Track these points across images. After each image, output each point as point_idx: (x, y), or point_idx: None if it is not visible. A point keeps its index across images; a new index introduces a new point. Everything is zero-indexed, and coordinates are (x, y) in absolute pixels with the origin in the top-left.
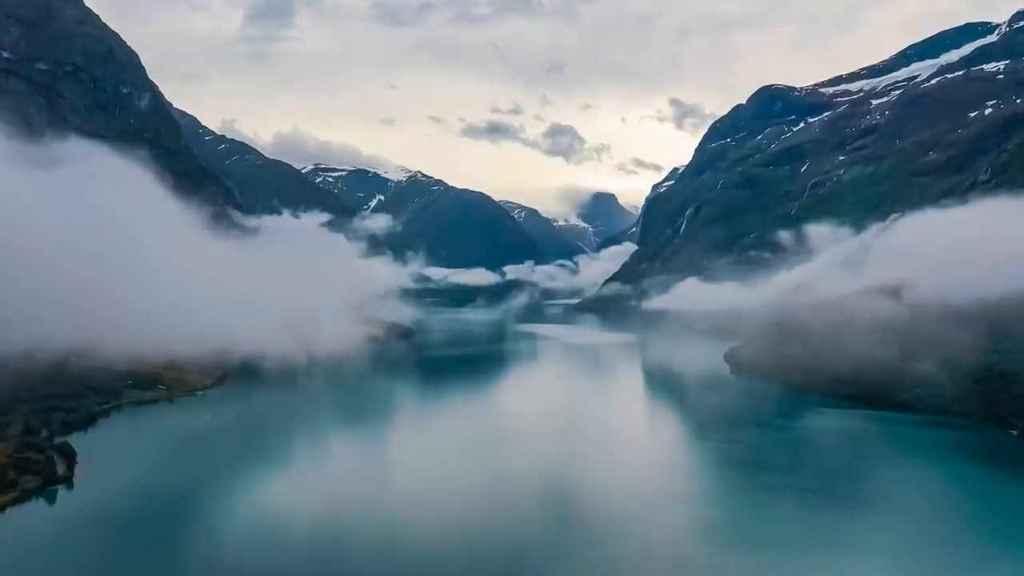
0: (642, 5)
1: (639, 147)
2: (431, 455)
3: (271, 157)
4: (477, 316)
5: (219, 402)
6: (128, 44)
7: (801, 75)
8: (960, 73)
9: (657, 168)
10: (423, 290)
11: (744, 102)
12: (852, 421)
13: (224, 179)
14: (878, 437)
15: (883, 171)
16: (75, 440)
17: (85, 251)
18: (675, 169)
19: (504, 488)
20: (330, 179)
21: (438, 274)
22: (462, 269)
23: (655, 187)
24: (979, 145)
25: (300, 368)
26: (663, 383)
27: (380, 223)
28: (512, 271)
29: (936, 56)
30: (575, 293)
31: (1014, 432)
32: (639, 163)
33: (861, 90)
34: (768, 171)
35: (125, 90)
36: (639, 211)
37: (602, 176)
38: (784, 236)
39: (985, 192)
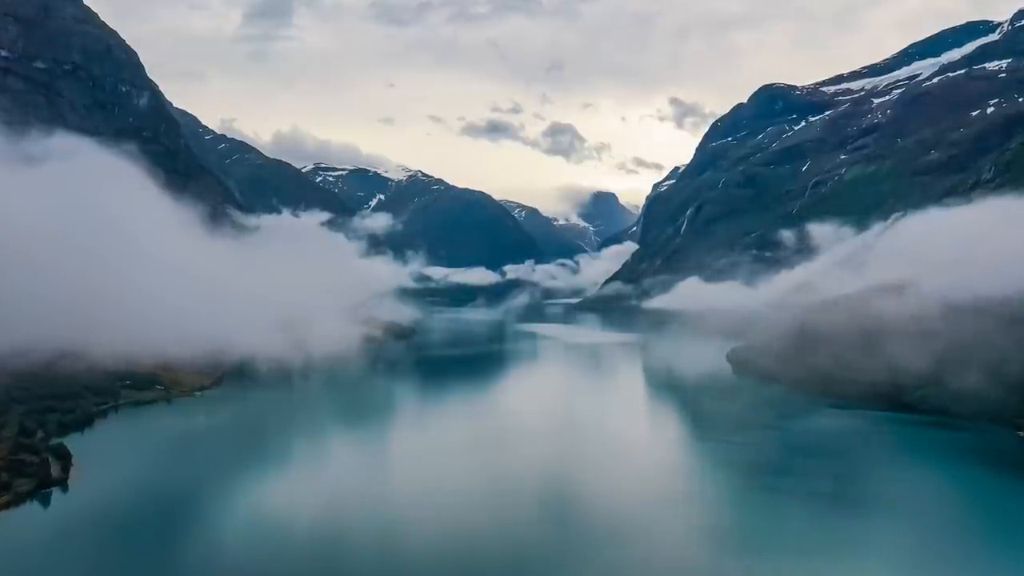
0: (642, 4)
1: (639, 146)
2: (430, 456)
3: (270, 156)
4: (477, 316)
5: (217, 402)
6: (127, 43)
7: (801, 74)
8: (962, 72)
9: (658, 167)
10: (423, 290)
11: (745, 101)
12: (861, 422)
13: (224, 178)
14: (891, 439)
15: (885, 170)
16: (71, 441)
17: (76, 249)
18: (676, 168)
19: (504, 490)
20: (330, 178)
21: (438, 273)
22: (462, 268)
23: (656, 186)
24: (981, 144)
25: (298, 368)
26: (665, 383)
27: (380, 222)
28: (512, 270)
29: (938, 55)
30: (576, 293)
31: None
32: (639, 162)
33: (862, 89)
34: (769, 170)
35: (124, 89)
36: (640, 210)
37: (602, 175)
38: (785, 235)
39: (989, 191)
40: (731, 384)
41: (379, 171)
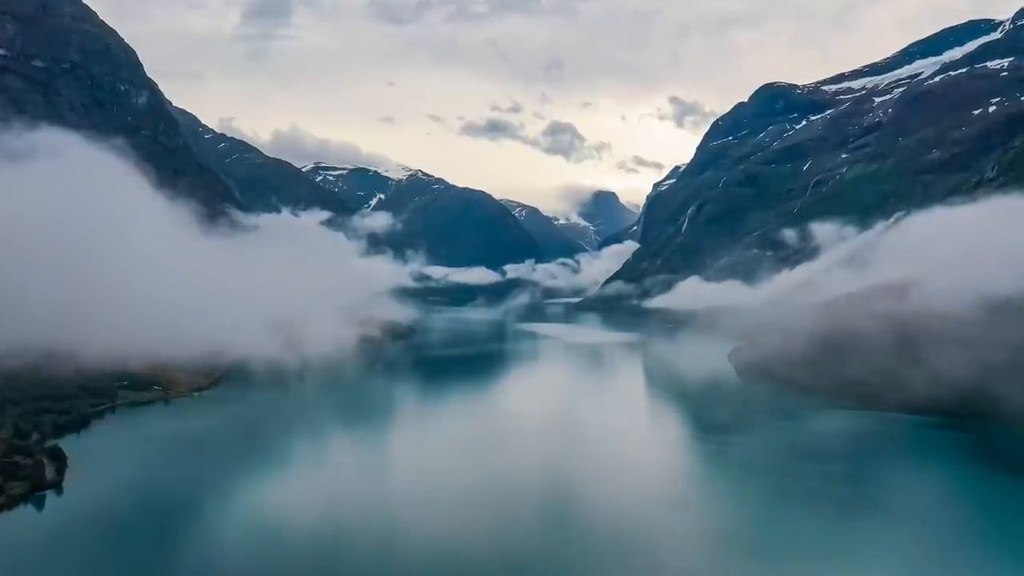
0: (641, 3)
1: (639, 145)
2: (430, 457)
3: (270, 155)
4: (477, 315)
5: (215, 403)
6: (126, 42)
7: (801, 73)
8: (963, 71)
9: (658, 166)
10: (423, 289)
11: (746, 100)
12: (870, 424)
13: (224, 177)
14: (901, 441)
15: (886, 169)
16: (67, 443)
17: (68, 247)
18: (676, 167)
19: (505, 493)
20: (330, 178)
21: (438, 273)
22: (462, 268)
23: (656, 185)
24: (983, 143)
25: (296, 369)
26: (666, 384)
27: (380, 221)
28: (513, 270)
29: (939, 54)
30: (576, 292)
31: None
32: (639, 161)
33: (864, 88)
34: (770, 169)
35: (123, 88)
36: (640, 210)
37: (602, 174)
38: (786, 235)
39: (992, 190)
40: (734, 385)
41: (379, 170)
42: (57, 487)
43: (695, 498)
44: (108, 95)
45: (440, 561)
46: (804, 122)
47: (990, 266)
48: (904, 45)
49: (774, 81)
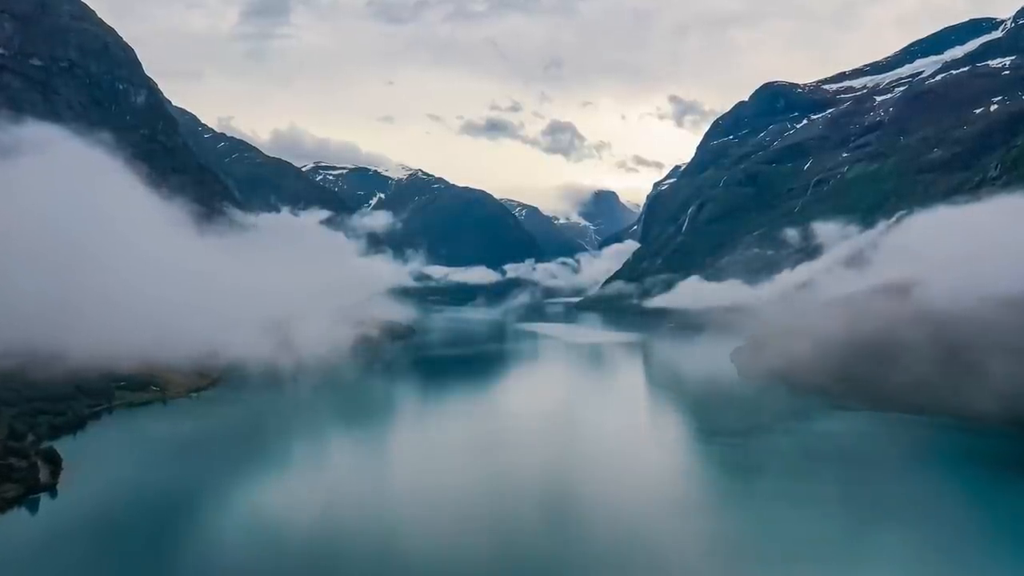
0: (640, 2)
1: (639, 144)
2: (429, 459)
3: (269, 155)
4: (477, 315)
5: (213, 404)
6: (124, 40)
7: (800, 72)
8: (965, 69)
9: (658, 165)
10: (423, 288)
11: (746, 99)
12: (878, 425)
13: (223, 177)
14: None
15: (887, 168)
16: (63, 444)
17: (57, 246)
18: (677, 167)
19: (505, 495)
20: (330, 177)
21: (438, 272)
22: (462, 267)
23: (656, 185)
24: (985, 142)
25: (294, 369)
26: (668, 385)
27: (380, 221)
28: (513, 269)
29: (940, 52)
30: (577, 291)
31: None
32: (639, 160)
33: (864, 87)
34: (771, 168)
35: (121, 86)
36: (640, 209)
37: (602, 174)
38: (788, 234)
39: (996, 189)
40: (736, 386)
41: (379, 170)
42: (51, 490)
43: (701, 500)
44: (106, 94)
45: (439, 563)
46: (805, 121)
47: (994, 266)
48: (904, 44)
49: (775, 80)
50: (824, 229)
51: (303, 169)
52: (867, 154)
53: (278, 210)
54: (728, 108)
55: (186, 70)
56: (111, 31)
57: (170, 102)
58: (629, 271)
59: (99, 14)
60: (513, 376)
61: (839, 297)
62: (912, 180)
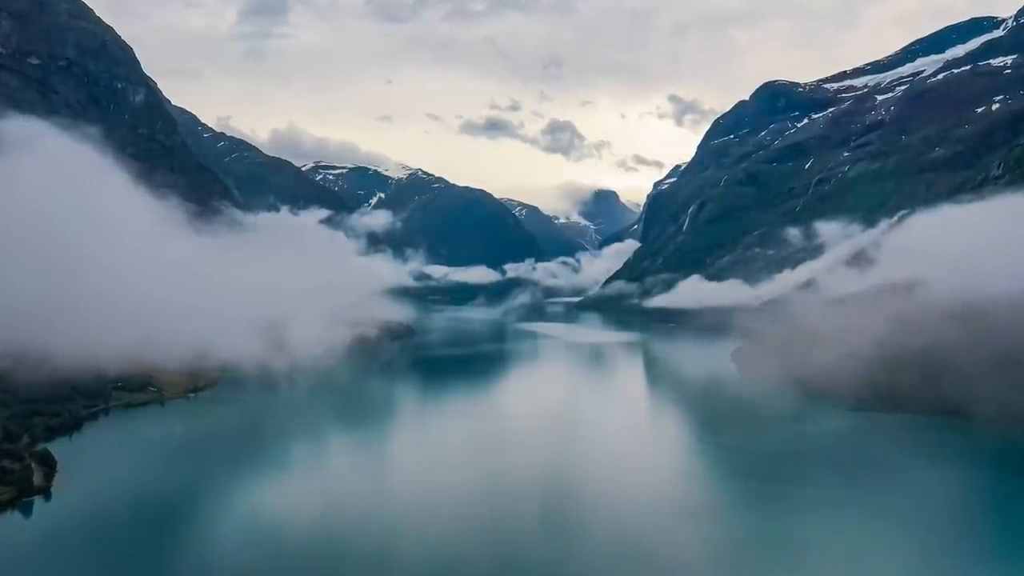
0: (639, 1)
1: (639, 144)
2: (428, 461)
3: (269, 154)
4: (477, 315)
5: (211, 405)
6: (123, 39)
7: (800, 71)
8: (966, 68)
9: (658, 165)
10: (423, 288)
11: (747, 98)
12: (884, 426)
13: (223, 176)
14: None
15: (889, 167)
16: (58, 446)
17: (45, 245)
18: (677, 166)
19: (504, 498)
20: (330, 176)
21: (438, 272)
22: (462, 267)
23: (657, 184)
24: (987, 141)
25: (292, 370)
26: (668, 385)
27: (379, 220)
28: (513, 269)
29: (942, 51)
30: (577, 291)
31: None
32: (639, 160)
33: (866, 86)
34: (772, 168)
35: (120, 85)
36: (641, 208)
37: (602, 173)
38: (788, 233)
39: (999, 188)
40: (739, 386)
41: (379, 169)
42: (45, 493)
43: (705, 503)
44: (105, 93)
45: (439, 566)
46: (806, 120)
47: (998, 265)
48: (904, 43)
49: (775, 79)
50: (825, 229)
51: (303, 169)
52: (868, 153)
53: (277, 209)
54: (728, 107)
55: (184, 69)
56: (109, 30)
57: (169, 101)
58: (629, 271)
59: (97, 13)
60: (513, 376)
61: (841, 296)
62: (913, 179)
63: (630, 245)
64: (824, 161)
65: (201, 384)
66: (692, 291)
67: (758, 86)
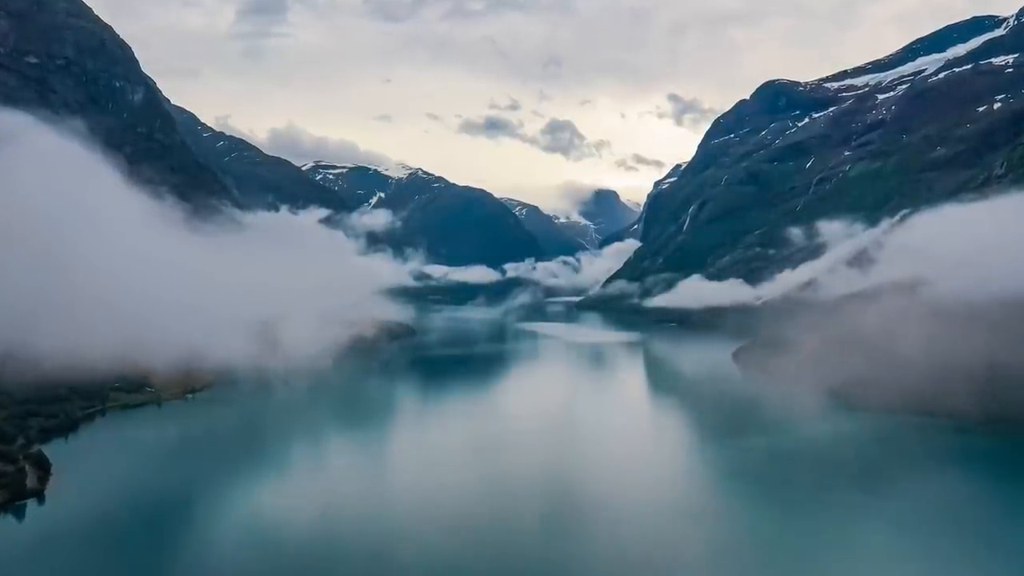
0: (638, 0)
1: (639, 143)
2: (427, 462)
3: (268, 154)
4: (477, 314)
5: (209, 406)
6: (121, 38)
7: (799, 70)
8: (968, 67)
9: (658, 164)
10: (423, 288)
11: (747, 97)
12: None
13: (222, 176)
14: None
15: (890, 167)
16: (54, 447)
17: (32, 244)
18: (678, 165)
19: (504, 500)
20: (330, 176)
21: (438, 272)
22: (462, 267)
23: (657, 183)
24: (988, 140)
25: (290, 371)
26: (670, 386)
27: (379, 219)
28: (513, 269)
29: (943, 50)
30: (577, 291)
31: None
32: (639, 159)
33: (867, 85)
34: (772, 167)
35: (118, 84)
36: (641, 208)
37: (602, 173)
38: (789, 233)
39: (1003, 187)
40: (741, 386)
41: (379, 169)
42: (39, 496)
43: (710, 507)
44: (103, 92)
45: (438, 570)
46: (807, 120)
47: (1003, 265)
48: (904, 43)
49: (776, 78)
50: (826, 228)
51: (303, 168)
52: (869, 152)
53: (277, 209)
54: (727, 107)
55: (183, 69)
56: (108, 28)
57: (168, 100)
58: (630, 270)
59: (96, 12)
60: (513, 377)
61: (842, 296)
62: (915, 179)
63: (630, 245)
64: (825, 160)
65: (198, 385)
66: (693, 291)
67: (759, 85)
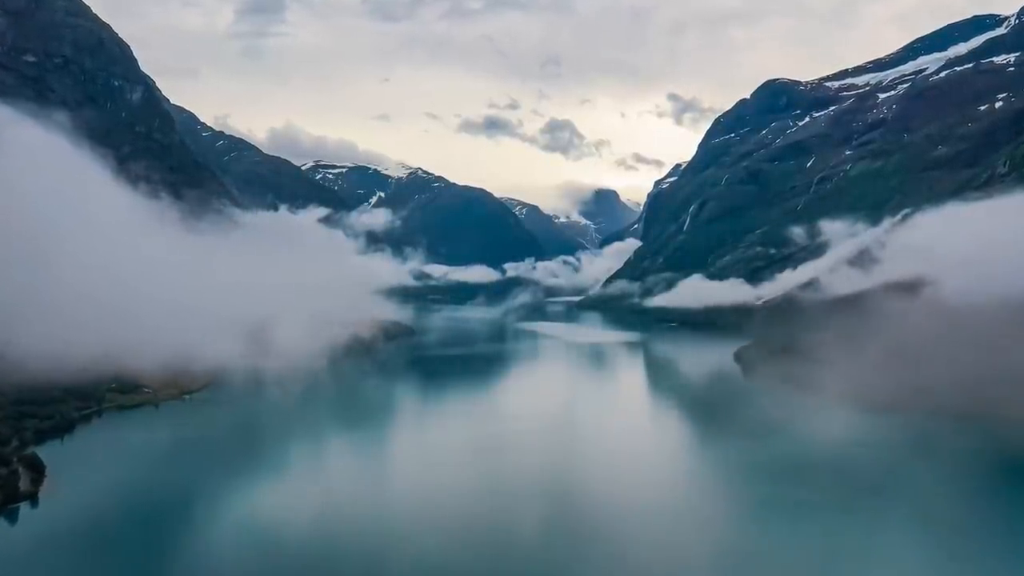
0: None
1: (638, 142)
2: (426, 464)
3: (267, 153)
4: (477, 314)
5: (206, 407)
6: (120, 37)
7: (799, 69)
8: (969, 66)
9: (658, 164)
10: (423, 287)
11: (748, 97)
12: (888, 427)
13: (221, 175)
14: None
15: (891, 166)
16: (49, 449)
17: (26, 243)
18: (678, 165)
19: (504, 503)
20: (330, 176)
21: (438, 271)
22: (462, 266)
23: (657, 183)
24: (989, 139)
25: (285, 372)
26: (671, 386)
27: (379, 219)
28: (513, 268)
29: (944, 49)
30: (577, 291)
31: None
32: (639, 159)
33: (867, 84)
34: (773, 166)
35: (116, 83)
36: (641, 207)
37: (602, 172)
38: (790, 232)
39: (1007, 186)
40: (744, 386)
41: (379, 168)
42: (32, 498)
43: (713, 510)
44: (101, 90)
45: (437, 571)
46: (807, 119)
47: (1007, 264)
48: (904, 42)
49: (776, 78)
50: (828, 228)
51: (303, 168)
52: (870, 152)
53: (276, 208)
54: (727, 106)
55: (182, 68)
56: (106, 27)
57: (168, 100)
58: (630, 270)
59: (94, 11)
60: (513, 377)
61: (843, 296)
62: (916, 178)
63: (631, 244)
64: (826, 160)
65: (195, 386)
66: (693, 290)
67: (759, 84)
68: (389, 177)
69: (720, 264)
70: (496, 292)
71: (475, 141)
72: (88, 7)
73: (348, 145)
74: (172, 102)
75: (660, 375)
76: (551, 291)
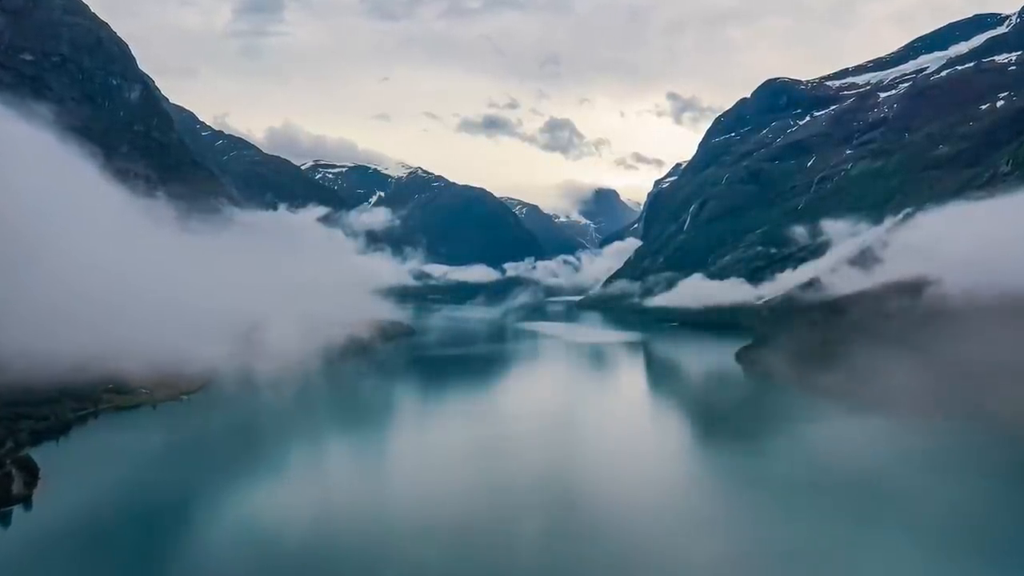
0: None
1: (638, 142)
2: (426, 466)
3: (266, 152)
4: (477, 314)
5: (204, 407)
6: (118, 35)
7: (798, 68)
8: (970, 65)
9: (658, 163)
10: (423, 287)
11: (748, 96)
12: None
13: (220, 174)
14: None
15: (892, 165)
16: (44, 451)
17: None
18: (678, 164)
19: (504, 504)
20: (330, 175)
21: (438, 271)
22: (462, 266)
23: (658, 182)
24: (991, 138)
25: (281, 372)
26: (671, 387)
27: (378, 218)
28: (513, 268)
29: (945, 48)
30: (578, 290)
31: None
32: (639, 158)
33: (868, 83)
34: (773, 166)
35: (115, 82)
36: (641, 207)
37: (602, 172)
38: (791, 232)
39: (1009, 185)
40: (746, 386)
41: (379, 168)
42: (26, 501)
43: (715, 514)
44: (100, 89)
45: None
46: (808, 118)
47: (1010, 263)
48: (903, 41)
49: (777, 77)
50: (828, 227)
51: (302, 167)
52: (871, 151)
53: (275, 208)
54: (727, 105)
55: (180, 67)
56: (105, 26)
57: (167, 99)
58: (631, 270)
59: (92, 9)
60: (513, 377)
61: (844, 295)
62: (917, 177)
63: (631, 244)
64: (826, 159)
65: (193, 387)
66: (693, 290)
67: (759, 84)
68: (388, 177)
69: (720, 264)
70: (496, 292)
71: (474, 140)
72: (86, 6)
73: (347, 144)
74: (171, 101)
75: (661, 375)
76: (551, 291)
